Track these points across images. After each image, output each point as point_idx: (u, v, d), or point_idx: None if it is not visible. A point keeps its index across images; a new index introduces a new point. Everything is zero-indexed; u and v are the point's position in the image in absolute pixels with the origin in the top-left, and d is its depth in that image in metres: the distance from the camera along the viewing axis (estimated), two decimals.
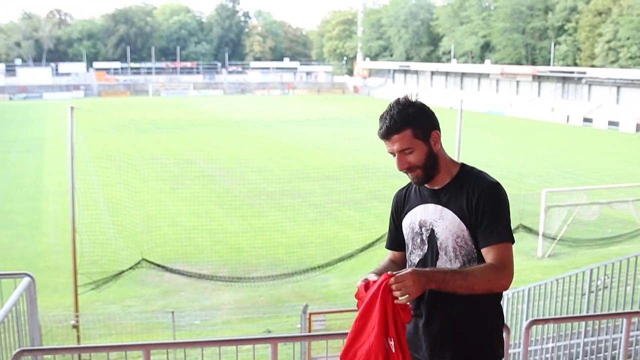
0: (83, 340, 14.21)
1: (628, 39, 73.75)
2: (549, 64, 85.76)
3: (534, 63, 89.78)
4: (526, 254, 21.73)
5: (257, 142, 48.01)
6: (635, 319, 8.52)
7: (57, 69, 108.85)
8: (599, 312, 9.08)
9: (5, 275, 6.20)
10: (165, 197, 29.22)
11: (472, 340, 3.15)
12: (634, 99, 67.17)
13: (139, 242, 20.58)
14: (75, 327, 14.30)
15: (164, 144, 45.53)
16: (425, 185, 3.22)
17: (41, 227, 25.50)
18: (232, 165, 37.33)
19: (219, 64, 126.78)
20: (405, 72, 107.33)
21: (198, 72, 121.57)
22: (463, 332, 3.13)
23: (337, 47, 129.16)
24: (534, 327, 8.61)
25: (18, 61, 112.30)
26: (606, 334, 8.31)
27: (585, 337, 8.03)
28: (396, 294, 2.76)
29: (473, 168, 3.23)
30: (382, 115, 3.11)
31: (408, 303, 2.85)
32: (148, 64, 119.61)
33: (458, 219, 3.10)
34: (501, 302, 3.31)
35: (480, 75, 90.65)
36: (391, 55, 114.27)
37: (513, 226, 3.75)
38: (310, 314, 13.35)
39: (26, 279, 5.66)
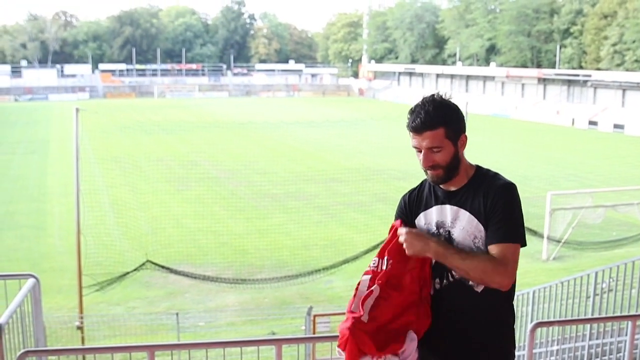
0: (87, 341, 14.22)
1: (634, 42, 73.61)
2: (554, 67, 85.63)
3: (539, 66, 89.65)
4: (531, 256, 21.70)
5: (262, 144, 48.04)
6: None
7: (62, 71, 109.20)
8: (603, 315, 9.07)
9: (9, 276, 6.21)
10: (170, 198, 29.24)
11: (491, 345, 3.18)
12: (639, 102, 67.03)
13: (144, 243, 20.60)
14: (80, 328, 14.30)
15: (169, 146, 45.59)
16: (440, 186, 3.21)
17: (46, 229, 25.56)
18: (237, 167, 37.34)
19: (224, 66, 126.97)
20: (411, 74, 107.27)
21: (203, 74, 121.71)
22: (481, 338, 3.16)
23: (342, 49, 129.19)
24: (539, 329, 8.58)
25: (24, 62, 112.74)
26: (611, 337, 8.29)
27: (590, 339, 8.01)
28: (400, 239, 3.07)
29: (489, 170, 3.23)
30: (415, 109, 3.08)
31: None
32: (153, 66, 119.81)
33: (475, 220, 3.09)
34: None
35: (485, 78, 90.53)
36: (396, 58, 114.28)
37: None
38: (315, 316, 13.35)
39: (31, 280, 5.67)
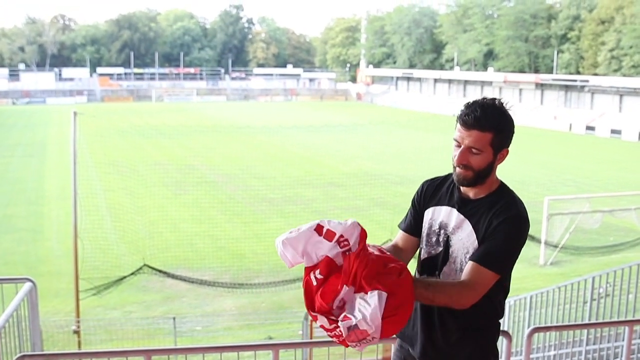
0: (84, 345, 14.18)
1: (631, 47, 73.84)
2: (551, 72, 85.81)
3: (536, 71, 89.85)
4: (528, 261, 21.70)
5: (260, 148, 48.02)
6: (637, 327, 8.49)
7: (60, 74, 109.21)
8: (600, 320, 9.07)
9: (6, 280, 6.21)
10: (167, 202, 29.21)
11: (464, 349, 3.13)
12: (636, 107, 67.18)
13: (141, 247, 20.56)
14: (77, 332, 14.28)
15: (167, 150, 45.55)
16: (461, 187, 3.14)
17: (43, 232, 25.51)
18: (234, 172, 37.31)
19: (223, 70, 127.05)
20: (409, 79, 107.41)
21: (201, 78, 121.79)
22: (457, 339, 3.12)
23: (340, 54, 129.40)
24: (536, 334, 8.58)
25: (21, 66, 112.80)
26: (608, 342, 8.29)
27: (587, 345, 8.02)
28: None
29: (510, 192, 3.14)
30: (473, 104, 2.99)
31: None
32: (151, 70, 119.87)
33: (474, 236, 3.03)
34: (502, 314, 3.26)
35: (483, 83, 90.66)
36: (394, 63, 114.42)
37: None
38: (312, 321, 13.33)
39: (27, 284, 5.67)
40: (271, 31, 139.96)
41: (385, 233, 17.98)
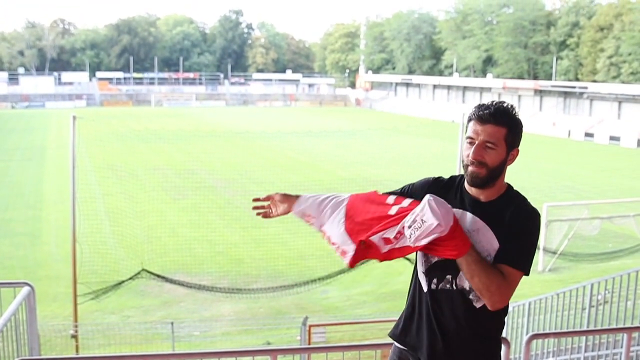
0: (82, 350, 14.16)
1: (630, 54, 74.01)
2: (550, 79, 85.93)
3: (535, 77, 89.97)
4: None
5: (259, 153, 48.02)
6: (635, 334, 8.49)
7: (59, 78, 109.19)
8: (599, 327, 9.06)
9: (5, 284, 6.20)
10: (166, 207, 29.20)
11: (473, 353, 3.14)
12: (635, 114, 67.30)
13: (139, 252, 20.53)
14: (74, 337, 14.25)
15: (166, 155, 45.57)
16: (469, 191, 3.12)
17: (41, 236, 25.49)
18: (233, 177, 37.31)
19: (222, 75, 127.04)
20: (408, 85, 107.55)
21: (200, 83, 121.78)
22: (464, 345, 3.11)
23: (339, 59, 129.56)
24: (534, 341, 8.58)
25: (21, 70, 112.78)
26: (606, 349, 8.29)
27: (585, 351, 8.02)
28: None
29: (518, 193, 3.17)
30: (486, 103, 3.04)
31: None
32: (151, 74, 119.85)
33: (495, 240, 3.01)
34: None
35: (482, 89, 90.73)
36: (393, 69, 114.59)
37: None
38: (310, 326, 13.32)
39: (26, 288, 5.66)
40: (270, 36, 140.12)
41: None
